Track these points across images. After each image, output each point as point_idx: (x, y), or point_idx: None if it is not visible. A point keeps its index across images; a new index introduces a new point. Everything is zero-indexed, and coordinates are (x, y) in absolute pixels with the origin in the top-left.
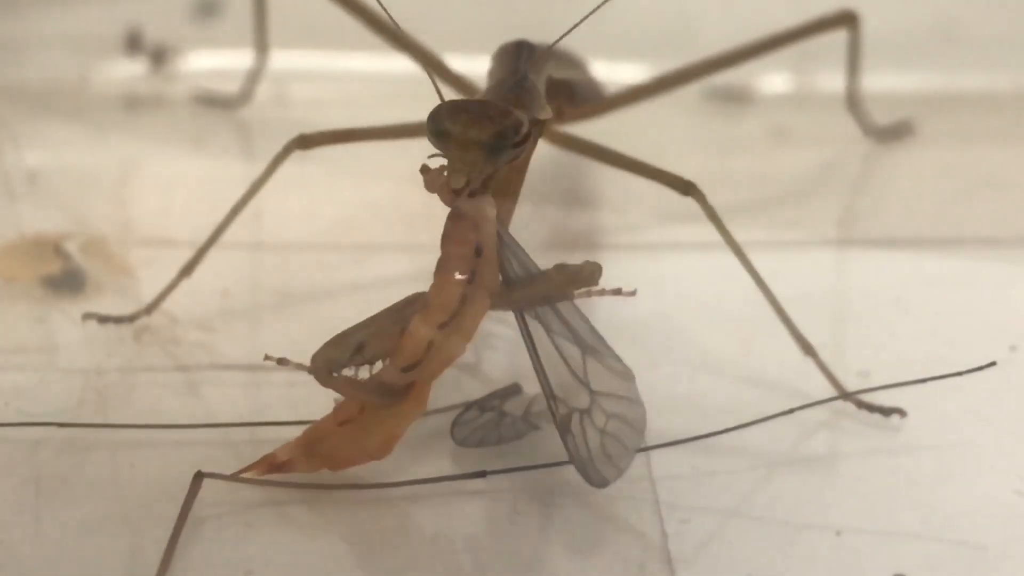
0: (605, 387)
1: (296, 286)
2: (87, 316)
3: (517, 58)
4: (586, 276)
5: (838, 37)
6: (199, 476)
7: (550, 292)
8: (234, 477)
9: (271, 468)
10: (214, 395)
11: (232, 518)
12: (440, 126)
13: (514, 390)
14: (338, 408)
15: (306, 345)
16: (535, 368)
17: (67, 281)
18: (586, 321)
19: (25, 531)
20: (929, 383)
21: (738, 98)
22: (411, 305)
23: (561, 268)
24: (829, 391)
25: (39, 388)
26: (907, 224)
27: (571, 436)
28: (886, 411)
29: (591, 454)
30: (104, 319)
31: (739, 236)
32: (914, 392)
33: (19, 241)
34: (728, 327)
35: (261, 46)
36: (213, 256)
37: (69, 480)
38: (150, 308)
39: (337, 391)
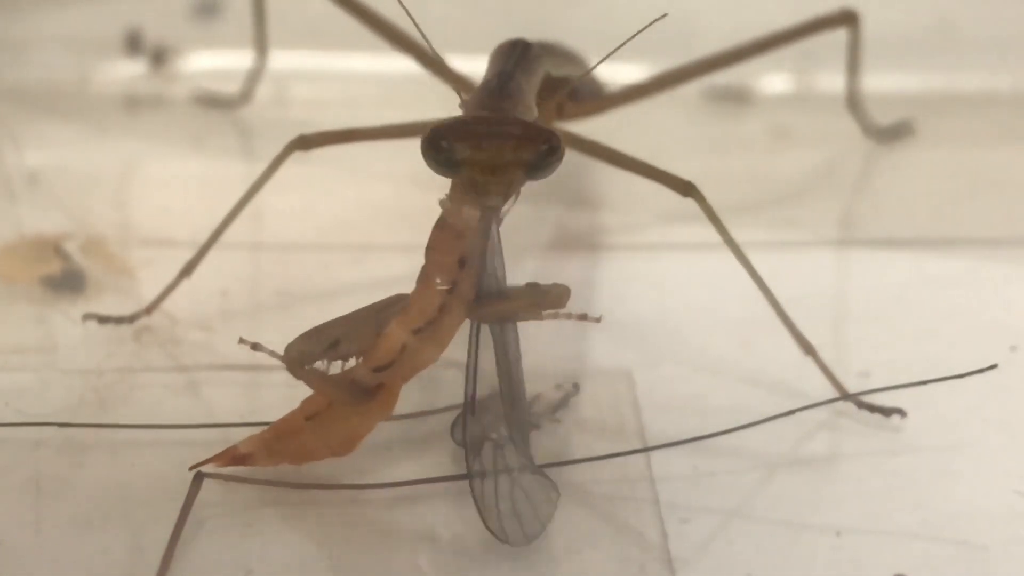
0: (521, 443)
1: (296, 286)
2: (87, 316)
3: (508, 58)
4: (553, 298)
5: (838, 37)
6: (199, 476)
7: (518, 311)
8: (235, 477)
9: (233, 460)
10: (214, 395)
11: (232, 518)
12: (458, 153)
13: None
14: (306, 402)
15: None
16: (467, 375)
17: (67, 281)
18: (521, 383)
19: (25, 531)
20: (929, 384)
21: (738, 98)
22: (392, 306)
23: (532, 287)
24: (829, 391)
25: (39, 388)
26: (907, 224)
27: (479, 459)
28: (886, 411)
29: (498, 494)
30: (104, 319)
31: (739, 236)
32: (914, 392)
33: (19, 241)
34: (728, 327)
35: (261, 46)
36: (213, 256)
37: (69, 480)
38: (150, 308)
39: (307, 384)
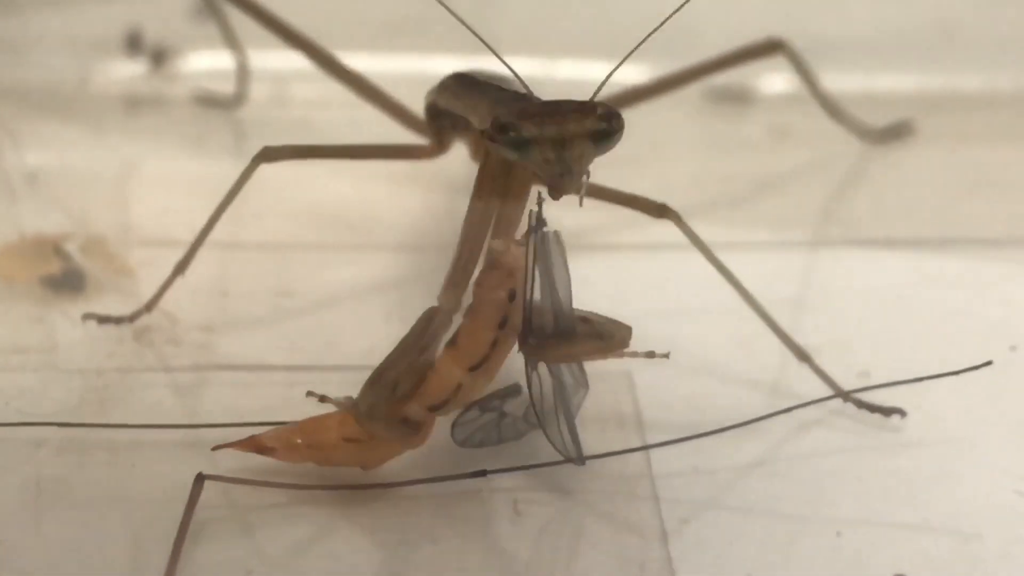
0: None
1: (296, 286)
2: (87, 316)
3: (477, 85)
4: (618, 342)
5: (838, 37)
6: (200, 478)
7: (581, 356)
8: (237, 479)
9: (255, 449)
10: (214, 395)
11: (232, 518)
12: (525, 132)
13: (514, 390)
14: (345, 420)
15: (305, 345)
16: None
17: (67, 281)
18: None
19: (25, 531)
20: (929, 383)
21: (738, 98)
22: (429, 324)
23: (588, 325)
24: (829, 392)
25: (39, 388)
26: (907, 224)
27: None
28: (886, 411)
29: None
30: (104, 319)
31: (739, 236)
32: (914, 392)
33: (19, 241)
34: (728, 327)
35: (236, 47)
36: (213, 256)
37: (69, 480)
38: (149, 306)
39: (372, 432)
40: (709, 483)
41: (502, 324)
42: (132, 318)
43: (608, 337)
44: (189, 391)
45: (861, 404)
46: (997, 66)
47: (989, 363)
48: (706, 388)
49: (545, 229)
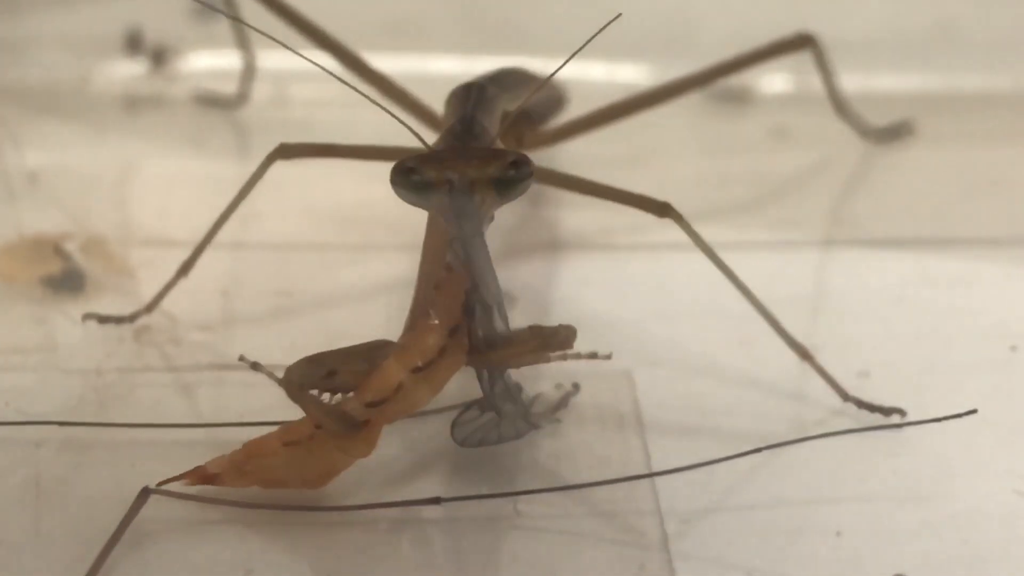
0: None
1: (296, 286)
2: (87, 316)
3: (466, 101)
4: (560, 340)
5: (838, 37)
6: (145, 492)
7: (523, 356)
8: (180, 494)
9: (202, 479)
10: (214, 395)
11: (232, 517)
12: (426, 176)
13: (515, 390)
14: (287, 428)
15: (305, 345)
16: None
17: (67, 281)
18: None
19: (25, 531)
20: (928, 383)
21: (738, 98)
22: (379, 350)
23: (536, 331)
24: (829, 391)
25: (39, 388)
26: (907, 224)
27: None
28: (886, 411)
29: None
30: (104, 319)
31: (739, 236)
32: (914, 392)
33: (19, 241)
34: (728, 327)
35: (245, 47)
36: (213, 256)
37: (69, 480)
38: (150, 307)
39: (302, 407)
40: (709, 483)
41: (453, 331)
42: (132, 318)
43: (550, 336)
44: (189, 391)
45: (861, 404)
46: (997, 66)
47: (974, 411)
48: (706, 388)
49: (464, 233)
